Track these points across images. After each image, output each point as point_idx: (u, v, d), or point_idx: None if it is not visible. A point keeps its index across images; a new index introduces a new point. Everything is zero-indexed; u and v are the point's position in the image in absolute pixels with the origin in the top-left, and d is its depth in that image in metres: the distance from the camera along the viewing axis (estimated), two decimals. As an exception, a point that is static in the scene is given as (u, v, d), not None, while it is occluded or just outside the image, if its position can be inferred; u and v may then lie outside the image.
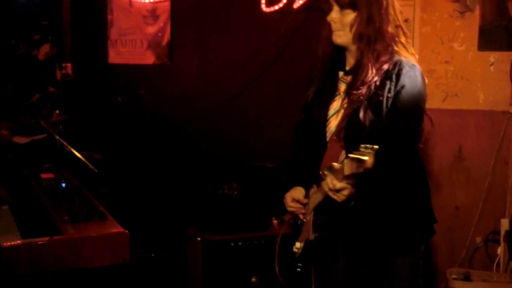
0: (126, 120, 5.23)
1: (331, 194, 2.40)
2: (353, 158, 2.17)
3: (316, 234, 2.64)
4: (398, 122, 2.49)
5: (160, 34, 5.10)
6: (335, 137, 2.57)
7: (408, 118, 2.51)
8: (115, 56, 5.28)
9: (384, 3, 2.52)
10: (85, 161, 3.40)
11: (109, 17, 5.25)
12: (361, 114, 2.48)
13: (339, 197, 2.39)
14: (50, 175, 3.59)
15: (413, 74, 2.52)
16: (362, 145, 2.15)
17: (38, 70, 5.19)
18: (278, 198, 4.20)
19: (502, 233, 3.81)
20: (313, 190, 2.66)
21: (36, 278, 2.57)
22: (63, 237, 2.57)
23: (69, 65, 5.29)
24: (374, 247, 2.63)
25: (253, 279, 4.01)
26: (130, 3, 5.16)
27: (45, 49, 5.24)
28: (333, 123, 2.60)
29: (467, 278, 3.47)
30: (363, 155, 2.12)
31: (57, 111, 5.07)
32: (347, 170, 2.24)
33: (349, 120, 2.51)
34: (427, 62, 4.03)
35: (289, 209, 2.81)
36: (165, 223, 4.63)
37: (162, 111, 5.15)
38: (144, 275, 4.31)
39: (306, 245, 2.71)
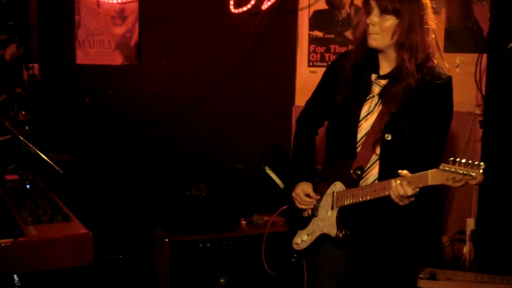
0: (94, 121, 5.18)
1: (397, 198, 2.40)
2: (446, 171, 2.22)
3: (345, 232, 2.65)
4: (434, 136, 2.58)
5: (128, 35, 5.05)
6: (367, 139, 2.60)
7: (443, 134, 2.63)
8: (82, 57, 5.22)
9: (424, 12, 2.55)
10: (51, 163, 3.33)
11: (76, 17, 5.19)
12: (401, 120, 2.52)
13: (404, 203, 2.41)
14: (14, 177, 3.55)
15: (449, 89, 2.58)
16: (458, 160, 2.21)
17: (5, 71, 5.12)
18: (247, 199, 4.21)
19: (468, 232, 3.83)
20: (337, 188, 2.68)
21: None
22: (26, 239, 2.52)
23: (36, 65, 5.22)
24: (394, 248, 2.69)
25: (222, 280, 3.99)
26: (98, 4, 5.11)
27: (11, 50, 5.17)
28: (365, 125, 2.62)
29: (433, 277, 3.47)
30: (467, 170, 2.18)
31: (23, 112, 4.98)
32: (433, 181, 2.28)
33: (387, 124, 2.55)
34: (393, 64, 4.03)
35: (301, 203, 2.80)
36: (133, 224, 4.58)
37: (130, 112, 5.10)
38: (112, 277, 4.26)
39: (319, 240, 2.75)
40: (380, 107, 2.59)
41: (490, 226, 3.62)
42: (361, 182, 2.63)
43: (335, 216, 2.68)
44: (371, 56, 2.67)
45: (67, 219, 2.79)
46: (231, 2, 4.59)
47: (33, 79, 5.21)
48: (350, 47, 4.33)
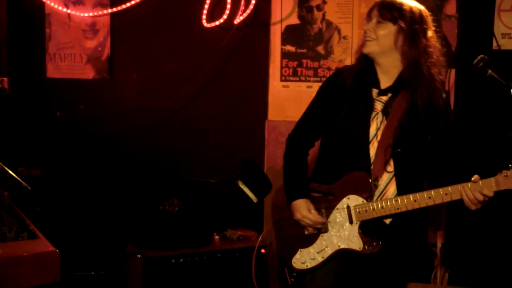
0: (65, 135, 5.16)
1: (472, 204, 2.49)
2: (510, 175, 2.38)
3: (376, 244, 2.68)
4: (445, 144, 2.72)
5: (100, 49, 5.04)
6: (378, 154, 2.65)
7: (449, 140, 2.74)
8: (53, 71, 5.20)
9: (427, 27, 2.66)
10: (18, 179, 3.33)
11: (47, 30, 5.17)
12: (409, 133, 2.62)
13: (477, 207, 2.50)
14: (-20, 193, 3.51)
15: (449, 99, 2.75)
16: None
17: (-27, 84, 5.07)
18: (220, 213, 4.22)
19: (439, 245, 3.88)
20: (353, 201, 2.70)
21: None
22: (-10, 257, 2.51)
23: (5, 79, 5.17)
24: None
25: (195, 296, 4.00)
26: (69, 17, 5.10)
27: (-20, 63, 5.13)
28: (375, 143, 2.67)
29: (404, 290, 3.51)
30: None
31: (-8, 127, 4.96)
32: (503, 185, 2.41)
33: (396, 139, 2.63)
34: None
35: (312, 223, 2.76)
36: (105, 240, 4.57)
37: (102, 126, 5.09)
38: (84, 294, 4.25)
39: (333, 256, 2.75)
40: (385, 123, 2.66)
41: (460, 238, 3.66)
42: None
43: (356, 229, 2.69)
44: (370, 70, 2.73)
45: (33, 237, 2.79)
46: (204, 17, 4.61)
47: (2, 92, 5.16)
48: (322, 62, 4.43)
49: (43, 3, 5.14)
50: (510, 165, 2.39)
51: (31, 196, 3.43)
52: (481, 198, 2.45)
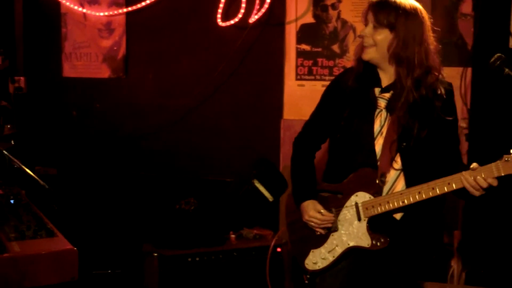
0: (82, 134, 5.19)
1: (476, 191, 2.46)
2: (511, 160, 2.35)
3: (384, 240, 2.67)
4: (456, 147, 2.75)
5: (115, 48, 5.07)
6: (384, 151, 2.66)
7: (457, 133, 2.77)
8: (69, 70, 5.24)
9: (423, 30, 2.63)
10: (35, 177, 3.36)
11: (63, 30, 5.21)
12: (414, 129, 2.61)
13: (480, 193, 2.47)
14: (-2, 191, 3.55)
15: (453, 93, 2.75)
16: None
17: (-10, 84, 5.12)
18: (236, 212, 4.23)
19: (455, 244, 3.87)
20: (361, 198, 2.70)
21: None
22: (9, 255, 2.53)
23: (22, 78, 5.21)
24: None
25: (211, 294, 4.01)
26: (85, 16, 5.13)
27: (-4, 62, 5.16)
28: (380, 140, 2.68)
29: (421, 290, 3.51)
30: None
31: (9, 126, 4.98)
32: (504, 171, 2.38)
33: (401, 134, 2.63)
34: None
35: (320, 223, 2.77)
36: (122, 239, 4.60)
37: (117, 125, 5.12)
38: (100, 292, 4.28)
39: (344, 255, 2.75)
40: (390, 119, 2.67)
41: (476, 238, 3.65)
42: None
43: (365, 226, 2.69)
44: (371, 70, 2.73)
45: (51, 235, 2.80)
46: (219, 16, 4.63)
47: (19, 92, 5.20)
48: (337, 61, 4.43)
49: (59, 3, 5.18)
50: (511, 149, 2.37)
51: (48, 194, 3.45)
52: (484, 184, 2.42)
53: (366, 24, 2.67)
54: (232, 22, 4.62)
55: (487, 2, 3.49)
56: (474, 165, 2.43)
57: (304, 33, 4.54)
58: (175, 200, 4.31)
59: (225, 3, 4.61)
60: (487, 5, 3.49)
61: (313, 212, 2.75)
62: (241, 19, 4.59)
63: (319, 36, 4.50)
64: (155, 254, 3.95)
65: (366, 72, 2.74)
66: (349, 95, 2.74)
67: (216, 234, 4.14)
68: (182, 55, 4.90)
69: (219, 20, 4.64)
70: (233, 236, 4.21)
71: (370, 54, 2.66)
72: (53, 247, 2.66)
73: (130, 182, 5.02)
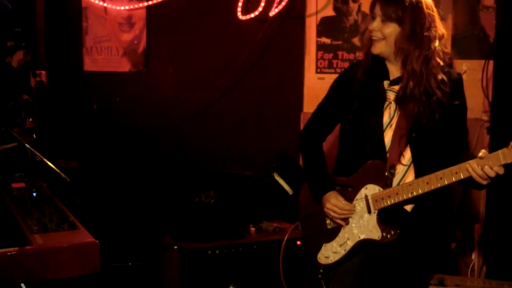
0: (102, 128, 5.22)
1: (483, 180, 2.44)
2: None
3: (394, 232, 2.67)
4: (464, 136, 2.76)
5: (136, 42, 5.10)
6: (393, 143, 2.66)
7: (466, 122, 2.77)
8: (90, 64, 5.27)
9: (428, 20, 2.61)
10: (57, 170, 3.39)
11: (84, 24, 5.24)
12: (423, 119, 2.61)
13: (488, 182, 2.46)
14: (21, 184, 3.57)
15: (462, 81, 2.73)
16: None
17: (12, 78, 5.15)
18: (256, 205, 4.24)
19: (476, 238, 3.85)
20: (370, 191, 2.71)
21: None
22: (32, 248, 2.55)
23: (43, 72, 5.26)
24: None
25: (231, 287, 4.01)
26: (106, 10, 5.16)
27: (18, 56, 5.20)
28: (389, 132, 2.69)
29: (441, 283, 3.50)
30: None
31: (31, 119, 5.03)
32: (510, 159, 2.36)
33: (411, 126, 2.63)
34: (401, 70, 4.07)
35: (341, 213, 2.76)
36: (142, 231, 4.62)
37: (138, 119, 5.15)
38: (121, 284, 4.30)
39: (355, 248, 2.76)
40: (399, 111, 2.67)
41: (498, 232, 3.63)
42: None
43: (375, 219, 2.70)
44: (379, 63, 2.74)
45: (73, 227, 2.82)
46: (239, 9, 4.63)
47: (40, 86, 5.25)
48: (358, 54, 4.41)
49: (80, -3, 5.22)
50: None
51: (70, 187, 3.48)
52: (491, 173, 2.40)
53: (373, 17, 2.67)
54: (252, 15, 4.63)
55: (509, -6, 3.46)
56: (482, 152, 2.41)
57: (325, 26, 4.53)
58: (195, 193, 4.33)
59: (246, -4, 4.62)
60: (509, -4, 3.47)
61: (335, 200, 2.75)
62: (261, 13, 4.59)
63: (340, 29, 4.49)
64: (175, 247, 3.95)
65: (375, 65, 2.74)
66: (358, 88, 2.75)
67: (236, 227, 4.14)
68: (202, 49, 4.92)
69: (239, 14, 4.65)
70: (252, 229, 4.21)
71: (380, 48, 2.66)
72: (75, 239, 2.67)
73: (150, 175, 5.05)
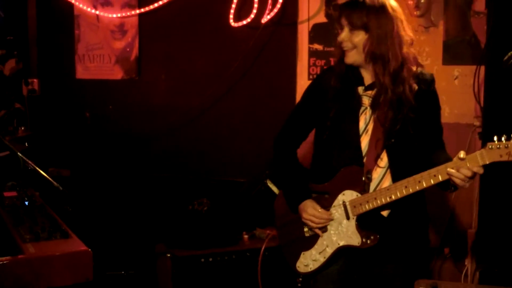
0: (95, 136, 5.22)
1: (461, 181, 2.44)
2: (498, 148, 2.34)
3: (373, 237, 2.67)
4: (440, 136, 2.78)
5: (128, 49, 5.10)
6: (370, 149, 2.67)
7: (441, 124, 2.81)
8: (82, 72, 5.27)
9: (395, 25, 2.62)
10: (49, 179, 3.37)
11: (76, 32, 5.24)
12: (399, 123, 2.63)
13: (466, 183, 2.46)
14: (13, 193, 3.56)
15: (434, 83, 2.76)
16: (505, 136, 2.35)
17: (4, 86, 5.13)
18: (249, 212, 4.24)
19: (469, 244, 3.86)
20: (348, 197, 2.71)
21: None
22: (24, 257, 2.54)
23: (35, 80, 5.25)
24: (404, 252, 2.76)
25: (224, 295, 4.02)
26: (98, 18, 5.15)
27: (10, 64, 5.18)
28: (365, 137, 2.69)
29: (434, 289, 3.50)
30: None
31: (23, 128, 5.02)
32: (488, 159, 2.37)
33: (388, 130, 2.64)
34: (393, 76, 4.08)
35: (318, 222, 2.75)
36: (135, 239, 4.61)
37: (131, 126, 5.14)
38: (114, 293, 4.30)
39: (335, 255, 2.75)
40: (375, 117, 2.68)
41: (491, 237, 3.64)
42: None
43: (354, 225, 2.70)
44: (352, 70, 2.75)
45: (66, 236, 2.81)
46: (231, 16, 4.64)
47: (32, 94, 5.23)
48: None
49: (72, 5, 5.21)
50: (495, 136, 2.36)
51: (62, 196, 3.46)
52: (469, 174, 2.42)
53: (341, 28, 2.69)
54: (244, 22, 4.63)
55: (500, 0, 3.47)
56: (461, 153, 2.43)
57: (317, 33, 4.54)
58: (188, 201, 4.33)
59: (237, 4, 4.62)
60: (500, 2, 3.47)
61: (312, 210, 2.75)
62: (253, 19, 4.60)
63: (332, 35, 4.48)
64: (168, 255, 3.96)
65: (349, 71, 2.75)
66: (333, 95, 2.75)
67: (229, 235, 4.15)
68: (195, 56, 4.92)
69: (231, 21, 4.65)
70: (246, 236, 4.21)
71: (352, 58, 2.69)
72: (68, 248, 2.66)
73: (143, 183, 5.04)
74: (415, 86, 2.65)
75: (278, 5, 4.51)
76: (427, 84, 2.71)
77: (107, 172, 5.16)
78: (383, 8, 2.62)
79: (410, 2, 4.16)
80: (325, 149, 2.80)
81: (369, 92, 2.71)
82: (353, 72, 2.75)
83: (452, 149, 3.68)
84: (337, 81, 2.75)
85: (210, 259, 4.00)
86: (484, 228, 3.70)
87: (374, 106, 2.68)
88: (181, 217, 4.26)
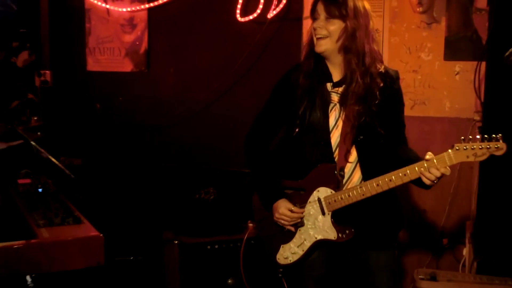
0: (105, 126, 5.21)
1: (430, 181, 2.48)
2: (465, 149, 2.40)
3: (348, 232, 2.71)
4: (402, 131, 2.79)
5: (137, 43, 5.09)
6: (341, 144, 2.68)
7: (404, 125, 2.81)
8: (93, 64, 5.26)
9: (370, 20, 2.66)
10: (62, 167, 3.39)
11: (87, 25, 5.23)
12: (368, 119, 2.64)
13: (435, 182, 2.50)
14: (27, 181, 3.58)
15: (399, 81, 2.78)
16: (471, 138, 2.41)
17: (17, 77, 5.14)
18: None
19: (467, 235, 3.86)
20: (322, 193, 2.72)
21: (12, 281, 2.56)
22: (38, 241, 2.57)
23: (48, 72, 5.24)
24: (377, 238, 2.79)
25: (230, 281, 4.04)
26: (108, 12, 5.14)
27: (23, 57, 5.18)
28: (336, 133, 2.70)
29: (433, 278, 3.51)
30: (490, 144, 2.37)
31: (36, 118, 5.02)
32: (455, 159, 2.43)
33: (356, 126, 2.65)
34: (395, 71, 4.08)
35: (290, 221, 2.78)
36: (143, 227, 4.62)
37: (139, 118, 5.13)
38: (123, 278, 4.30)
39: (312, 248, 2.78)
40: (344, 113, 2.68)
41: (488, 229, 3.64)
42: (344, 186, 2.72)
43: (329, 220, 2.73)
44: (321, 66, 2.74)
45: (78, 222, 2.83)
46: (238, 11, 4.62)
47: (45, 85, 5.23)
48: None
49: (83, -1, 5.21)
50: (462, 137, 2.42)
51: (74, 183, 3.48)
52: (438, 174, 2.45)
53: (316, 17, 2.68)
54: (251, 17, 4.61)
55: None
56: (429, 155, 2.46)
57: (321, 28, 4.52)
58: (195, 190, 4.33)
59: (244, -1, 4.61)
60: (501, 0, 3.47)
61: (283, 209, 2.76)
62: (259, 15, 4.57)
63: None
64: (176, 242, 3.97)
65: (317, 68, 2.74)
66: (301, 92, 2.74)
67: (234, 223, 4.16)
68: (202, 50, 4.90)
69: (238, 16, 4.63)
70: (250, 224, 4.21)
71: (324, 46, 2.66)
72: (80, 233, 2.69)
73: (151, 173, 5.03)
74: (381, 83, 2.66)
75: (284, 1, 4.49)
76: (392, 81, 2.72)
77: (117, 161, 5.16)
78: (362, 5, 2.64)
79: (413, -1, 4.16)
80: (296, 146, 2.80)
81: (338, 88, 2.72)
82: (322, 69, 2.74)
83: (452, 143, 3.70)
84: (306, 79, 2.73)
85: (216, 246, 4.02)
86: (481, 220, 3.70)
87: (342, 102, 2.69)
88: (188, 206, 4.27)
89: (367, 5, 2.68)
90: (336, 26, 2.62)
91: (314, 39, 2.68)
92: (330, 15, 2.62)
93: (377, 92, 2.65)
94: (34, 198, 3.21)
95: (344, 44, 2.63)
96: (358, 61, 2.62)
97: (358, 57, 2.62)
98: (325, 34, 2.64)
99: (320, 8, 2.66)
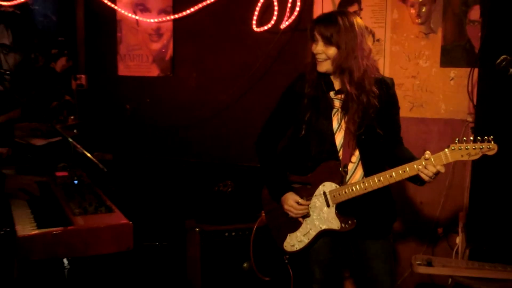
0: (134, 125, 5.23)
1: (427, 176, 2.50)
2: (459, 149, 2.42)
3: (351, 222, 2.74)
4: (398, 132, 2.82)
5: (163, 50, 5.10)
6: (344, 144, 2.72)
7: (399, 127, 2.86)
8: (124, 69, 5.28)
9: (359, 40, 2.66)
10: (96, 161, 3.40)
11: (118, 34, 5.25)
12: (367, 122, 2.68)
13: (432, 178, 2.52)
14: (64, 173, 3.61)
15: (394, 85, 2.81)
16: (465, 139, 2.43)
17: (56, 81, 5.17)
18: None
19: (460, 225, 3.84)
20: (328, 188, 2.75)
21: (49, 264, 2.58)
22: (74, 228, 2.59)
23: (83, 76, 5.27)
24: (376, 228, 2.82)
25: (245, 264, 4.03)
26: (137, 23, 5.16)
27: (61, 62, 5.22)
28: (339, 134, 2.74)
29: (429, 263, 3.49)
30: (482, 145, 2.39)
31: (72, 117, 5.05)
32: (451, 158, 2.45)
33: (358, 128, 2.69)
34: (396, 77, 4.00)
35: (297, 212, 2.81)
36: (168, 216, 4.62)
37: (165, 117, 5.15)
38: (149, 261, 4.32)
39: (317, 237, 2.81)
40: (346, 117, 2.73)
41: (480, 219, 3.63)
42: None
43: (333, 211, 2.74)
44: (324, 77, 2.78)
45: (110, 211, 2.84)
46: (254, 22, 4.62)
47: (80, 88, 5.26)
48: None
49: (115, 11, 5.21)
50: (456, 139, 2.44)
51: (106, 176, 3.49)
52: (434, 170, 2.48)
53: (314, 40, 2.71)
54: (265, 27, 4.60)
55: (493, 10, 3.44)
56: (427, 154, 2.48)
57: (329, 38, 4.49)
58: (214, 183, 4.34)
59: (260, 11, 4.59)
60: (493, 12, 3.44)
61: (292, 201, 2.80)
62: (273, 25, 4.57)
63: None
64: (197, 229, 3.97)
65: (320, 79, 2.78)
66: (307, 100, 2.78)
67: (249, 212, 4.15)
68: (221, 57, 4.91)
69: (254, 26, 4.63)
70: (263, 214, 4.20)
71: (324, 67, 2.72)
72: (112, 221, 2.70)
73: (175, 167, 5.04)
74: (377, 90, 2.69)
75: (296, 13, 4.48)
76: (388, 87, 2.76)
77: (144, 156, 5.18)
78: (352, 26, 2.64)
79: (412, 11, 4.12)
80: (304, 146, 2.83)
81: (339, 96, 2.76)
82: (325, 79, 2.78)
83: (447, 142, 3.67)
84: (311, 88, 2.78)
85: (233, 234, 4.03)
86: (474, 211, 3.69)
87: (344, 108, 2.73)
88: (208, 197, 4.28)
89: (359, 21, 2.70)
90: (332, 51, 2.67)
91: (316, 60, 2.74)
92: (326, 41, 2.66)
93: (375, 100, 2.68)
94: (71, 189, 3.23)
95: (340, 66, 2.68)
96: (351, 77, 2.67)
97: (350, 73, 2.66)
98: (325, 58, 2.70)
99: (316, 33, 2.69)
